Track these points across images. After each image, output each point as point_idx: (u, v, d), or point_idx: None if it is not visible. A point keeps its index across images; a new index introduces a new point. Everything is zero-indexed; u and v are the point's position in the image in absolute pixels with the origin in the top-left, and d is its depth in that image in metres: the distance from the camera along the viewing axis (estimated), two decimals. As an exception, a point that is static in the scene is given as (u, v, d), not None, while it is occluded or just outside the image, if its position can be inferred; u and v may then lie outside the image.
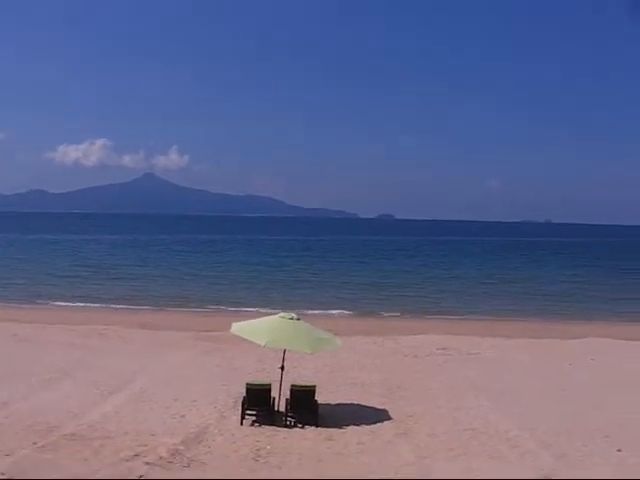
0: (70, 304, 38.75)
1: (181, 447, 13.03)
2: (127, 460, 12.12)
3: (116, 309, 37.40)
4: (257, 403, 15.25)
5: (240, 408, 15.23)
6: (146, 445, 13.04)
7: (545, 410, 16.88)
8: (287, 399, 15.42)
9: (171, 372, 20.20)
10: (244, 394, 15.38)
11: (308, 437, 14.23)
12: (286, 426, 14.92)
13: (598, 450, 13.66)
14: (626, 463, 12.88)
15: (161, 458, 12.30)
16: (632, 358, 25.05)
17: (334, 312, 38.15)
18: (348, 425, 15.02)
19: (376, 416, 15.88)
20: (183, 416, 15.43)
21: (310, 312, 34.09)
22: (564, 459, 13.03)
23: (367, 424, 15.14)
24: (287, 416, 15.20)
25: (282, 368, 15.90)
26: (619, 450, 13.61)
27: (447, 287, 54.60)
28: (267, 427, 14.79)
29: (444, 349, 25.51)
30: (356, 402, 17.20)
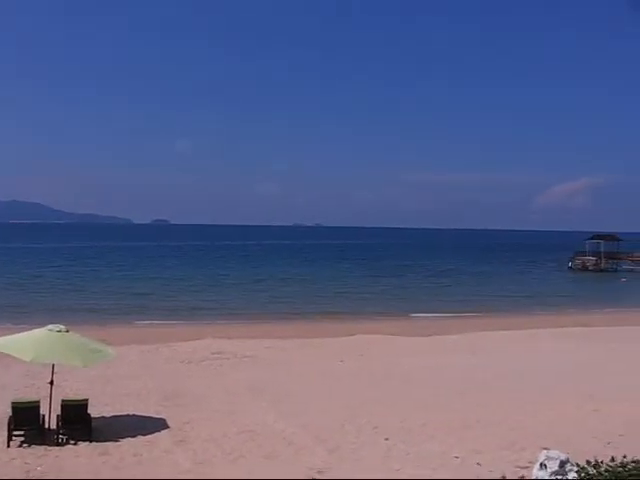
0: None
1: (-62, 477, 11.98)
2: None
3: None
4: (25, 422, 14.37)
5: (6, 429, 14.28)
6: None
7: (319, 407, 17.56)
8: (58, 415, 14.71)
9: None
10: (10, 413, 14.45)
11: (82, 453, 13.66)
12: (58, 444, 14.20)
13: (368, 441, 14.48)
14: (393, 450, 13.81)
15: None
16: (398, 352, 26.83)
17: (103, 321, 36.82)
18: (124, 437, 14.63)
19: (153, 426, 15.62)
20: (-60, 443, 14.18)
21: (83, 323, 32.66)
22: (337, 452, 13.65)
23: (144, 434, 14.84)
24: (59, 433, 14.48)
25: (51, 383, 15.13)
26: (387, 439, 14.55)
27: (222, 291, 54.96)
28: (37, 447, 13.97)
29: (220, 353, 25.65)
30: (132, 413, 16.80)
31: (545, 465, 6.28)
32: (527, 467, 10.92)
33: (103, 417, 16.05)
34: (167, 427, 15.55)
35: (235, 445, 14.20)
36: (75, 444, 14.22)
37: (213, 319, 38.87)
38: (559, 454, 6.38)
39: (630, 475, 4.83)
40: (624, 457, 5.10)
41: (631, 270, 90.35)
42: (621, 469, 4.99)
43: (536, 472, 6.49)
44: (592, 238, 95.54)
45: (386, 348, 27.88)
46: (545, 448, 6.88)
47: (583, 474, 5.21)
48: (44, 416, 14.73)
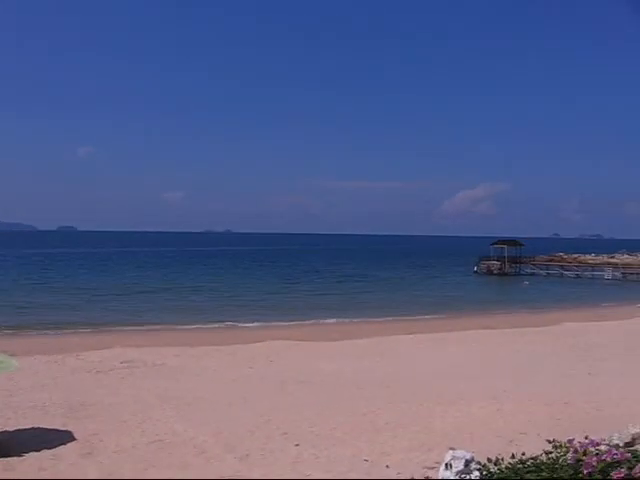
0: None
1: None
2: None
3: None
4: None
5: None
6: None
7: (229, 414, 17.49)
8: (-44, 431, 14.15)
9: None
10: None
11: (-18, 469, 13.19)
12: (-44, 460, 13.67)
13: (278, 447, 14.51)
14: (303, 455, 13.90)
15: None
16: (308, 357, 27.00)
17: (5, 332, 35.62)
18: (28, 452, 14.17)
19: (59, 438, 15.20)
20: None
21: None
22: (247, 460, 13.64)
23: (49, 448, 14.42)
24: (-43, 449, 13.94)
25: (-50, 397, 14.57)
26: (297, 444, 14.63)
27: (130, 299, 54.02)
28: None
29: (129, 362, 25.21)
30: (36, 426, 16.28)
31: (450, 465, 6.45)
32: (434, 467, 11.19)
33: (6, 431, 15.54)
34: (74, 439, 15.16)
35: (145, 455, 14.00)
36: (-25, 460, 13.72)
37: (121, 327, 38.15)
38: (464, 453, 6.55)
39: (528, 471, 5.04)
40: (523, 454, 5.32)
41: (533, 274, 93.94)
42: (520, 466, 5.20)
43: (442, 472, 6.65)
44: (496, 243, 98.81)
45: (296, 353, 28.02)
46: (452, 448, 7.06)
47: (485, 472, 5.40)
48: (-58, 432, 14.15)
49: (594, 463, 4.57)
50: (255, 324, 40.34)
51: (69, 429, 15.95)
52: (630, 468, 4.48)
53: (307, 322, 41.75)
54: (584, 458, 4.71)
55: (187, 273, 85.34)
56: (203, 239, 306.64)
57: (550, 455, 5.20)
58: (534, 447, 6.22)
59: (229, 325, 39.91)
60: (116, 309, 47.63)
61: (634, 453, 5.22)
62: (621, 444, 7.20)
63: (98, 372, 23.53)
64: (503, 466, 5.25)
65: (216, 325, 39.68)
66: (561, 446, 5.13)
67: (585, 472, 4.56)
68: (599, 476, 4.52)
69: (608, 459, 4.63)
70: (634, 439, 8.10)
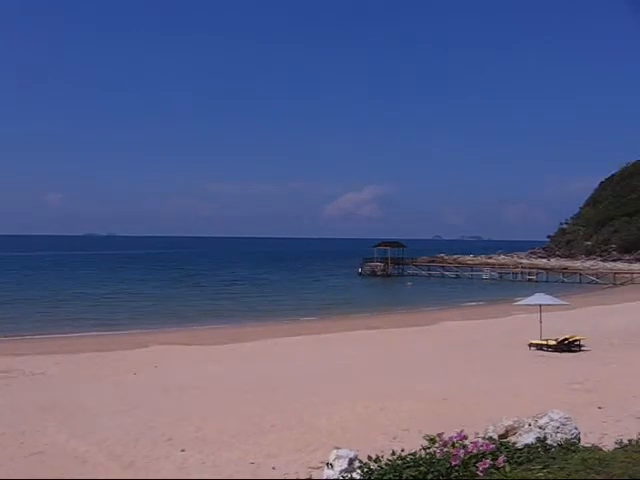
0: None
1: None
2: None
3: None
4: None
5: None
6: None
7: (113, 422, 17.14)
8: None
9: None
10: None
11: None
12: None
13: (163, 454, 14.37)
14: (189, 461, 13.83)
15: None
16: (192, 362, 26.79)
17: None
18: None
19: None
20: None
21: None
22: (132, 468, 13.44)
23: None
24: None
25: None
26: (182, 450, 14.53)
27: (0, 308, 51.67)
28: None
29: (5, 371, 24.28)
30: None
31: (332, 465, 6.58)
32: (319, 467, 11.40)
33: None
34: (-55, 455, 14.49)
35: (24, 469, 13.53)
36: None
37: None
38: (348, 452, 6.69)
39: (407, 467, 5.23)
40: (402, 450, 5.54)
41: (415, 274, 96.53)
42: (400, 462, 5.38)
43: (326, 472, 6.78)
44: (379, 245, 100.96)
45: (182, 358, 27.75)
46: (337, 447, 7.24)
47: (366, 469, 5.57)
48: None
49: (461, 455, 4.84)
50: (139, 330, 39.53)
51: (-59, 444, 15.25)
52: (494, 459, 4.78)
53: (194, 326, 41.31)
54: (452, 450, 4.98)
55: (66, 279, 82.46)
56: (84, 243, 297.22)
57: (428, 450, 5.44)
58: (415, 443, 6.49)
59: (112, 332, 38.94)
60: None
61: (505, 444, 5.57)
62: (495, 436, 7.58)
63: (-28, 383, 22.54)
64: (383, 463, 5.43)
65: (98, 332, 38.62)
66: (434, 440, 5.38)
67: (453, 464, 4.83)
68: (473, 468, 4.79)
69: (474, 451, 4.92)
70: (507, 431, 8.52)
